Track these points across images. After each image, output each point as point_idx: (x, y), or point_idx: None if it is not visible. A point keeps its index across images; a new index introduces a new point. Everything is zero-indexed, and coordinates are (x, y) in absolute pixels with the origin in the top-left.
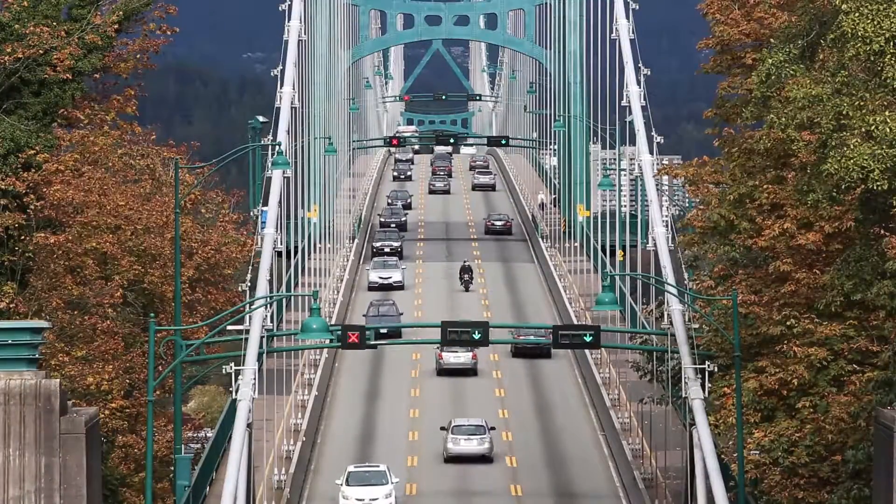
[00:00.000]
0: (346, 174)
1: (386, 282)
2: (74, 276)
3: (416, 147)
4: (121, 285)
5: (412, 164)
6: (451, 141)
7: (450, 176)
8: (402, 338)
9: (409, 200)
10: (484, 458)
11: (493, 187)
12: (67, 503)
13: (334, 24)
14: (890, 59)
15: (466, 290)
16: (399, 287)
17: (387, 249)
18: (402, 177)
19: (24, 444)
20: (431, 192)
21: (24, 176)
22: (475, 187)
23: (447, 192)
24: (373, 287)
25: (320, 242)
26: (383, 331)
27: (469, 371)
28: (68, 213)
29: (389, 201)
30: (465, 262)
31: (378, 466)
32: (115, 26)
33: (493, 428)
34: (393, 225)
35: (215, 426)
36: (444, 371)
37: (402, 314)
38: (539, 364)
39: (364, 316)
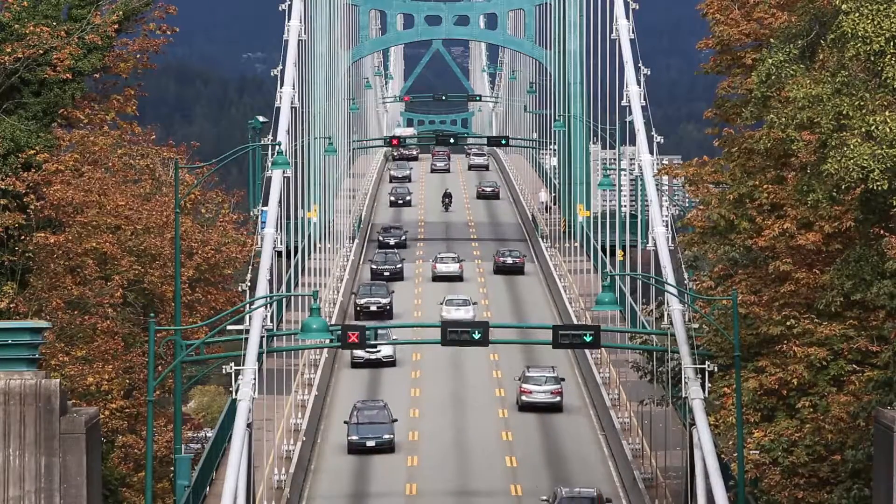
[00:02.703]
0: (346, 174)
1: (373, 356)
2: (74, 276)
3: (416, 153)
4: (121, 285)
5: (410, 181)
6: (451, 141)
7: (448, 159)
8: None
9: (403, 238)
10: (469, 323)
11: (486, 167)
12: (67, 503)
13: (334, 24)
14: (890, 59)
15: (446, 210)
16: (390, 363)
17: (373, 308)
18: (401, 202)
19: (24, 444)
20: (433, 171)
21: (24, 176)
22: (470, 167)
23: (447, 170)
24: (357, 364)
25: (320, 242)
26: (371, 444)
27: (456, 278)
28: (68, 213)
29: (381, 238)
30: (447, 189)
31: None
32: (115, 26)
33: (475, 302)
34: (386, 273)
35: (215, 426)
36: (438, 278)
37: (395, 420)
38: (539, 364)
39: (346, 423)
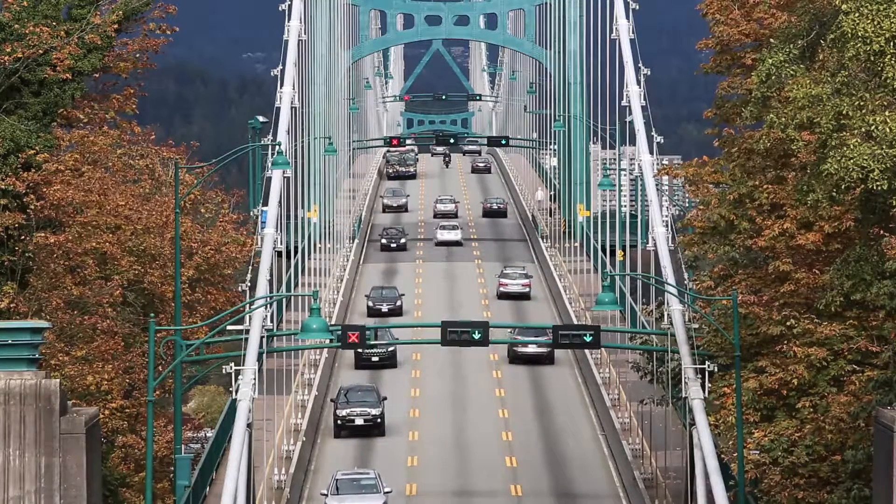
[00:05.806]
0: (346, 174)
1: (360, 499)
2: (74, 276)
3: (413, 171)
4: (121, 285)
5: (406, 210)
6: (451, 141)
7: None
8: (402, 339)
9: (398, 303)
10: (457, 243)
11: (479, 153)
12: (67, 503)
13: (334, 24)
14: (890, 59)
15: (447, 167)
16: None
17: (358, 421)
18: (394, 245)
19: (24, 444)
20: (433, 154)
21: (24, 176)
22: (465, 153)
23: (446, 155)
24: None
25: (320, 242)
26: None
27: (451, 215)
28: (68, 213)
29: (370, 303)
30: (446, 150)
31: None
32: (115, 26)
33: (461, 227)
34: (374, 358)
35: (215, 426)
36: (438, 215)
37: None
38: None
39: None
